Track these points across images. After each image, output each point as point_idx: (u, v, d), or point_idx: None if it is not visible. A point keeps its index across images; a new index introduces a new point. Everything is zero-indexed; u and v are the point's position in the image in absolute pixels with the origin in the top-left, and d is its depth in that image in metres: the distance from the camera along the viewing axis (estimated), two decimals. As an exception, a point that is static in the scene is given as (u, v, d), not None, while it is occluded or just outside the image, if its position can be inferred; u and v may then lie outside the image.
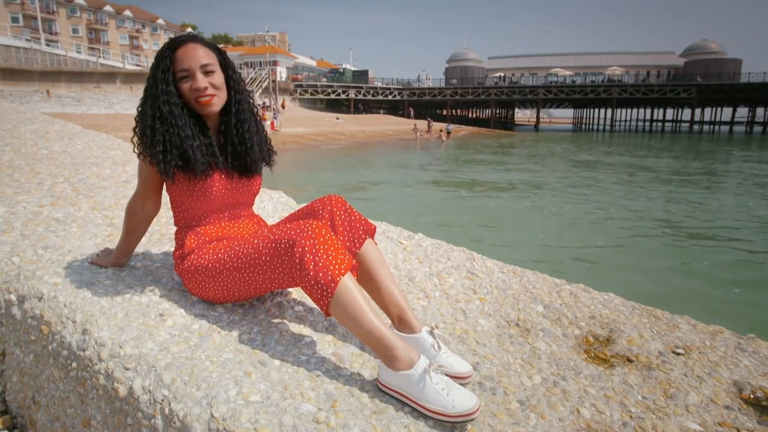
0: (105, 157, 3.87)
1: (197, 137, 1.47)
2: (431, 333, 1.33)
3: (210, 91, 1.45)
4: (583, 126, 79.97)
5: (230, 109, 1.54)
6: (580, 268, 5.81)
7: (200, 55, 1.44)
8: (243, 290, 1.44)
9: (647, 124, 76.34)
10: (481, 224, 8.42)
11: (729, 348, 1.54)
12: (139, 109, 1.48)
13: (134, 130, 1.49)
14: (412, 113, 54.90)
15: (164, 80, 1.42)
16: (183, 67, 1.43)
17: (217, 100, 1.48)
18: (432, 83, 62.65)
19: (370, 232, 1.50)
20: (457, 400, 1.10)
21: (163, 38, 70.83)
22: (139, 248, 1.91)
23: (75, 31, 58.83)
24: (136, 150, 1.49)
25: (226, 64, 1.52)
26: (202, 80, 1.43)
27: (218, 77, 1.47)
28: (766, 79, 50.04)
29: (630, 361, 1.45)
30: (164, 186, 1.60)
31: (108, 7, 62.58)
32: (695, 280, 5.61)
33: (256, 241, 1.38)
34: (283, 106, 39.70)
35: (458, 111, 68.08)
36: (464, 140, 33.99)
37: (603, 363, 1.44)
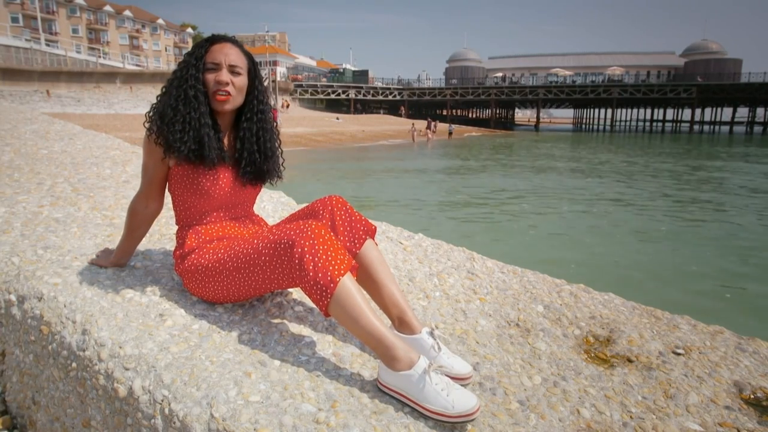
0: (105, 157, 3.87)
1: (212, 129, 1.51)
2: (431, 334, 1.33)
3: (230, 89, 1.49)
4: (584, 126, 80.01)
5: (253, 117, 1.58)
6: (580, 268, 5.81)
7: (232, 55, 1.50)
8: (243, 290, 1.44)
9: (647, 124, 76.41)
10: (480, 224, 8.43)
11: (729, 348, 1.54)
12: (163, 89, 1.52)
13: (153, 109, 1.52)
14: (403, 112, 55.09)
15: (195, 66, 1.48)
16: (214, 60, 1.48)
17: (232, 101, 1.51)
18: (432, 83, 62.69)
19: (371, 232, 1.50)
20: (457, 400, 1.10)
21: (163, 38, 70.94)
22: (139, 248, 1.91)
23: (75, 31, 58.82)
24: (147, 130, 1.51)
25: (254, 74, 1.57)
26: (226, 75, 1.48)
27: (242, 80, 1.52)
28: (766, 79, 50.07)
29: (630, 361, 1.45)
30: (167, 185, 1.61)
31: (108, 7, 62.56)
32: (695, 280, 5.60)
33: (255, 241, 1.38)
34: (287, 106, 39.71)
35: (458, 111, 68.12)
36: (452, 141, 33.94)
37: (603, 363, 1.44)
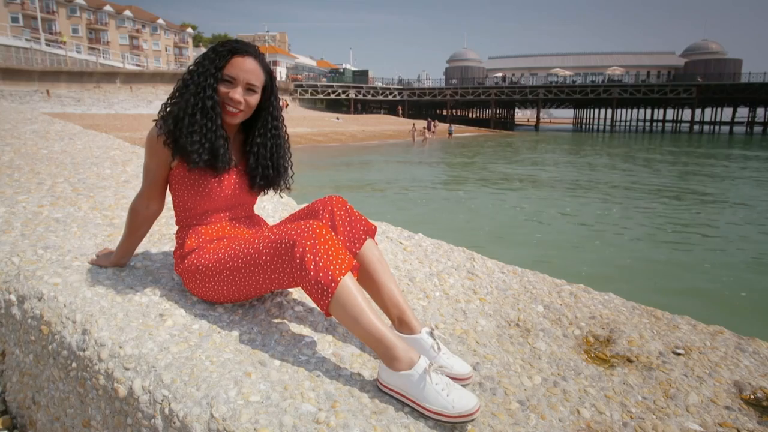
0: (105, 157, 3.87)
1: (226, 141, 1.51)
2: (431, 334, 1.33)
3: (241, 107, 1.48)
4: (584, 126, 79.99)
5: (267, 132, 1.58)
6: (580, 268, 5.81)
7: (250, 72, 1.47)
8: (243, 290, 1.44)
9: (647, 124, 76.42)
10: (480, 224, 8.43)
11: (729, 348, 1.54)
12: (179, 90, 1.49)
13: (165, 109, 1.50)
14: (400, 112, 55.28)
15: (214, 76, 1.46)
16: (232, 74, 1.46)
17: (241, 117, 1.51)
18: (432, 83, 62.69)
19: (371, 232, 1.50)
20: (457, 400, 1.10)
21: (163, 38, 70.90)
22: (139, 248, 1.91)
23: (75, 31, 58.81)
24: (159, 129, 1.49)
25: (270, 91, 1.56)
26: (240, 94, 1.46)
27: (255, 98, 1.51)
28: (766, 79, 50.05)
29: (630, 361, 1.45)
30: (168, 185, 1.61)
31: (108, 7, 62.55)
32: (696, 280, 5.60)
33: (256, 241, 1.38)
34: (286, 106, 39.85)
35: (458, 111, 68.11)
36: (451, 141, 33.92)
37: (603, 363, 1.44)
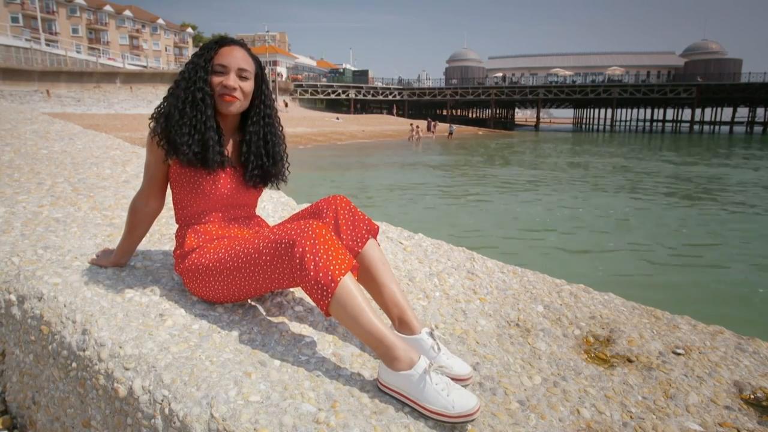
0: (105, 157, 3.87)
1: (216, 133, 1.51)
2: (431, 334, 1.33)
3: (236, 93, 1.48)
4: (584, 126, 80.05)
5: (259, 121, 1.59)
6: (580, 268, 5.81)
7: (240, 59, 1.49)
8: (243, 290, 1.44)
9: (647, 124, 76.50)
10: (480, 224, 8.43)
11: (729, 348, 1.54)
12: (170, 90, 1.52)
13: (158, 110, 1.52)
14: (395, 111, 55.52)
15: (204, 69, 1.47)
16: (222, 62, 1.48)
17: (238, 104, 1.51)
18: (432, 83, 62.74)
19: (373, 232, 1.51)
20: (458, 400, 1.10)
21: (163, 38, 70.93)
22: (139, 248, 1.91)
23: (75, 31, 58.84)
24: (152, 130, 1.51)
25: (261, 79, 1.57)
26: (233, 80, 1.48)
27: (249, 85, 1.52)
28: (766, 79, 50.11)
29: (630, 361, 1.45)
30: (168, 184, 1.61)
31: (108, 7, 62.59)
32: (696, 280, 5.60)
33: (256, 241, 1.38)
34: (285, 106, 39.90)
35: (458, 111, 68.16)
36: (446, 141, 33.94)
37: (603, 363, 1.44)
